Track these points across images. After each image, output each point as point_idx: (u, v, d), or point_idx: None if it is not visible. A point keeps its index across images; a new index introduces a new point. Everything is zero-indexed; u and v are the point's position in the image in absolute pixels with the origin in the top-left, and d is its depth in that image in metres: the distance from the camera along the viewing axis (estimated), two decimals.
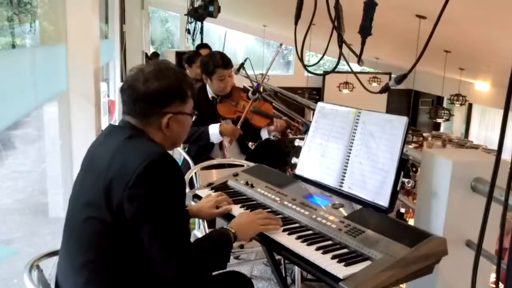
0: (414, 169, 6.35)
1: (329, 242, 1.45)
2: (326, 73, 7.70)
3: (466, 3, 4.32)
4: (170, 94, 1.44)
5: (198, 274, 1.39)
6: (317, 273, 1.34)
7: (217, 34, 13.69)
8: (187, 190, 2.13)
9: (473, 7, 4.59)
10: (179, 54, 7.47)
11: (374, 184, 1.63)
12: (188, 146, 3.21)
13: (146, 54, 8.35)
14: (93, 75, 2.71)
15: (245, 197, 1.85)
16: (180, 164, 2.67)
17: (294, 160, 1.95)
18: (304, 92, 12.91)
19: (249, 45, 15.11)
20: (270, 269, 2.72)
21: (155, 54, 9.62)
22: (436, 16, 1.29)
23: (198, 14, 6.27)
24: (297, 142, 1.97)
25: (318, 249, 1.41)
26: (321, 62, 5.03)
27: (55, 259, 1.53)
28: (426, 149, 2.80)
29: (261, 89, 3.31)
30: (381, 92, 1.73)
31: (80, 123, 2.71)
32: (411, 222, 4.77)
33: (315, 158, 1.86)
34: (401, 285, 1.74)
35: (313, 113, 1.99)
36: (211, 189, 1.95)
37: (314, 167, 1.85)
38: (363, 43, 1.57)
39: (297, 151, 1.96)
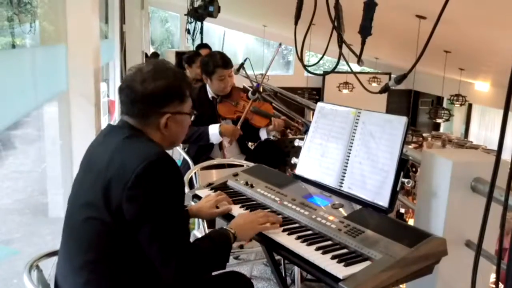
0: (414, 169, 6.34)
1: (329, 242, 1.45)
2: (326, 73, 7.70)
3: (466, 3, 4.32)
4: (168, 94, 1.44)
5: (198, 274, 1.39)
6: (316, 273, 1.34)
7: (217, 34, 13.67)
8: (187, 190, 2.13)
9: (473, 7, 4.59)
10: (179, 54, 7.47)
11: (374, 184, 1.63)
12: (187, 146, 3.21)
13: (146, 54, 8.34)
14: (93, 75, 2.71)
15: (245, 197, 1.85)
16: (179, 164, 2.69)
17: (294, 160, 1.95)
18: (304, 92, 12.91)
19: (249, 45, 15.11)
20: (270, 269, 2.72)
21: (155, 54, 9.63)
22: (436, 16, 1.29)
23: (198, 14, 6.27)
24: (297, 142, 1.97)
25: (318, 249, 1.41)
26: (321, 62, 5.04)
27: (55, 259, 1.53)
28: (426, 149, 2.80)
29: (261, 89, 3.31)
30: (381, 92, 1.73)
31: (80, 123, 2.70)
32: (411, 222, 4.77)
33: (315, 158, 1.86)
34: (401, 285, 1.74)
35: (313, 113, 1.99)
36: (211, 189, 1.95)
37: (314, 167, 1.85)
38: (363, 43, 1.58)
39: (297, 151, 1.96)
